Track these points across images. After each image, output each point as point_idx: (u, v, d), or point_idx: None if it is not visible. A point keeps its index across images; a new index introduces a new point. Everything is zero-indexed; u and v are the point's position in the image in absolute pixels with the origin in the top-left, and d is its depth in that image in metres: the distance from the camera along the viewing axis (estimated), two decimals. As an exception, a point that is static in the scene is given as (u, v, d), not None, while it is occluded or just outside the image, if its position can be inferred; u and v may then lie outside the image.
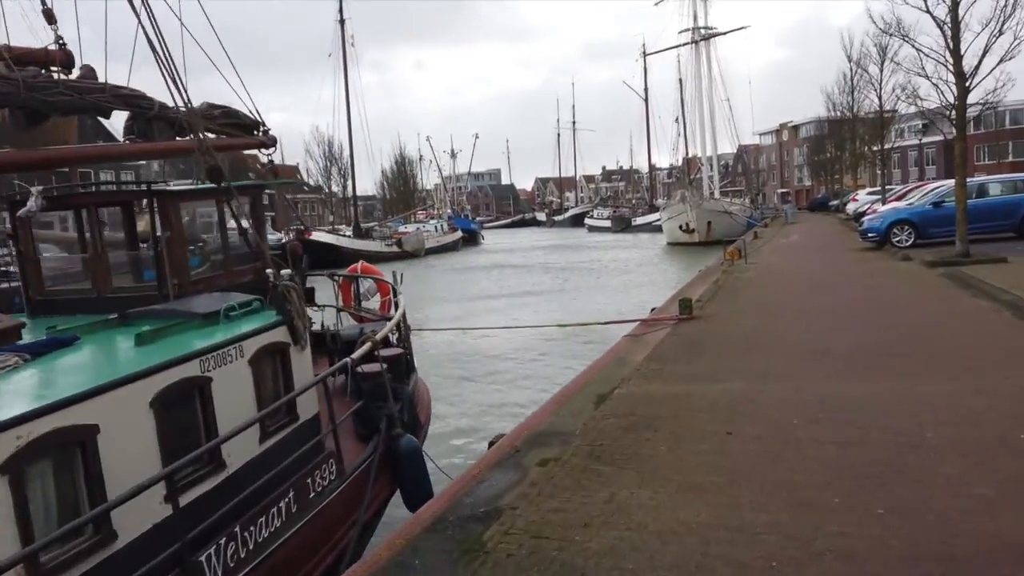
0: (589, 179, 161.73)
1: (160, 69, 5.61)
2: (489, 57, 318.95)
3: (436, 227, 68.98)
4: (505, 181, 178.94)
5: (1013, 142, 68.41)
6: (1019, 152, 68.19)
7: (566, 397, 7.22)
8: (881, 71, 29.67)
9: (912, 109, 21.36)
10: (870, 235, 19.68)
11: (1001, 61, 15.12)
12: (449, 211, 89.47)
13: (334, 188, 71.90)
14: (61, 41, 6.63)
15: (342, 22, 58.12)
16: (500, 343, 16.75)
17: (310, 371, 6.24)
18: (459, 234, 71.00)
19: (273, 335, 5.72)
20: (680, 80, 66.45)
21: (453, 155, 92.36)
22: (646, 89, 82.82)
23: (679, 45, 59.58)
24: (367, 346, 7.09)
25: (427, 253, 60.84)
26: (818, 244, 26.27)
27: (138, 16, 5.52)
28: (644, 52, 71.80)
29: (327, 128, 68.04)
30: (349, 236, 57.98)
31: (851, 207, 39.13)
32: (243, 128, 8.35)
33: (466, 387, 13.76)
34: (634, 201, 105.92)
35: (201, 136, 6.01)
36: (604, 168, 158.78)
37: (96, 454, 3.96)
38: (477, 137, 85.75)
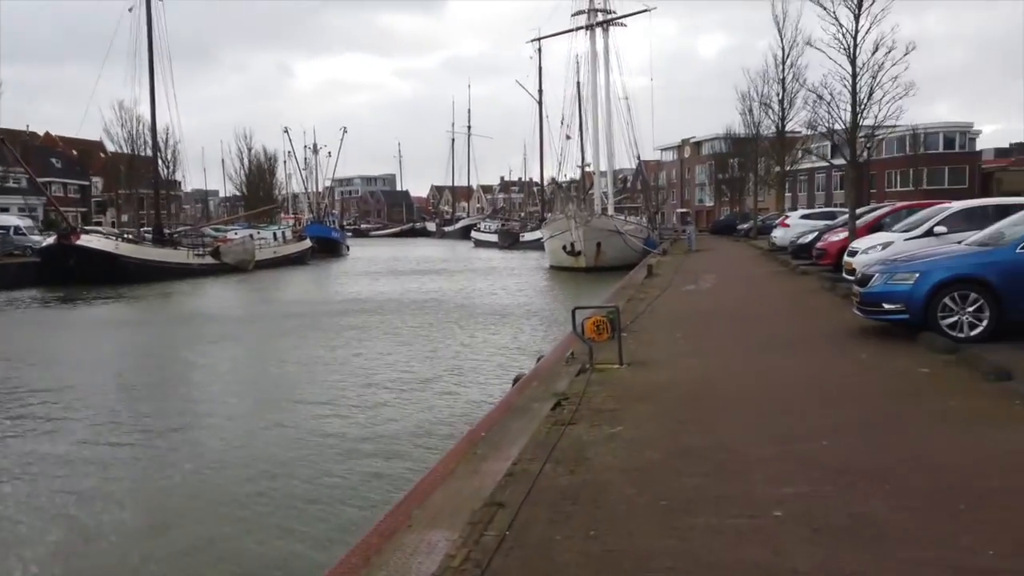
0: (487, 189, 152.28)
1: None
2: (359, 67, 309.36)
3: (275, 234, 56.12)
4: (399, 187, 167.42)
5: (928, 168, 62.93)
6: (933, 179, 62.70)
7: None
8: (783, 89, 34.03)
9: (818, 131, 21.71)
10: (887, 308, 9.18)
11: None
12: (310, 215, 76.78)
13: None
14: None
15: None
16: None
17: None
18: (307, 244, 58.38)
19: None
20: (578, 83, 56.72)
21: (316, 150, 79.18)
22: (540, 91, 72.64)
23: (573, 29, 49.52)
24: None
25: (258, 266, 48.40)
26: (759, 305, 15.82)
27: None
28: (539, 39, 61.36)
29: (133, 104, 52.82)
30: (147, 242, 44.61)
31: (779, 234, 29.52)
32: None
33: None
34: (524, 215, 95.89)
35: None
36: (502, 179, 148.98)
37: None
38: (345, 131, 72.99)
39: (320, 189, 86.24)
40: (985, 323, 8.55)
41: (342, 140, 72.54)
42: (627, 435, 5.85)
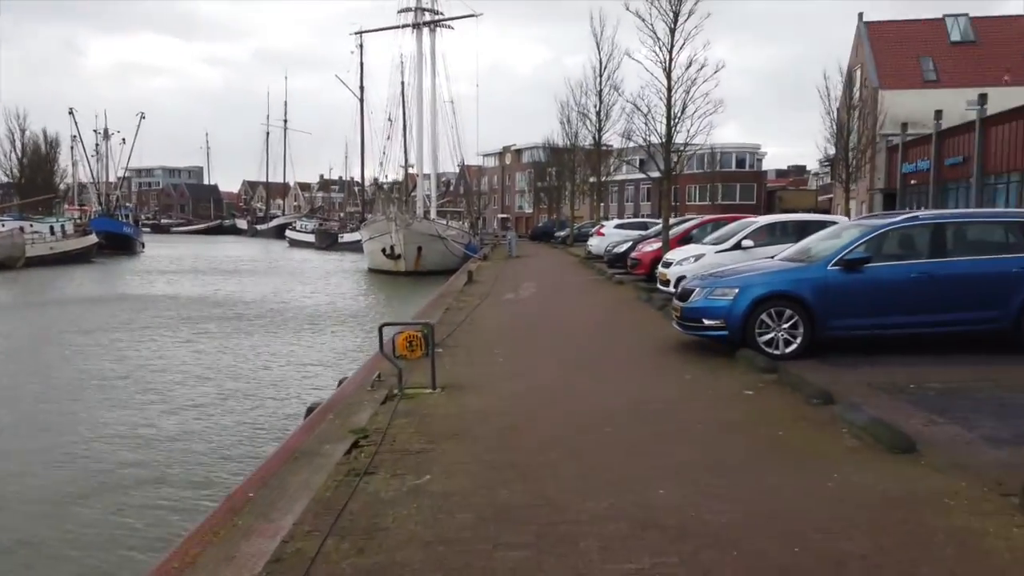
0: (305, 187, 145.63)
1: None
2: (159, 49, 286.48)
3: (53, 228, 49.51)
4: (207, 181, 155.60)
5: (723, 184, 68.43)
6: (727, 194, 68.16)
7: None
8: (600, 101, 34.76)
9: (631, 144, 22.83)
10: (707, 324, 8.95)
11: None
12: (99, 207, 68.74)
13: None
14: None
15: None
16: None
17: None
18: (92, 239, 52.08)
19: None
20: (402, 83, 55.40)
21: (107, 135, 71.02)
22: (362, 88, 70.30)
23: (399, 26, 48.12)
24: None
25: (29, 263, 42.47)
26: (579, 317, 15.50)
27: None
28: (361, 32, 59.13)
29: None
30: None
31: (594, 243, 30.06)
32: None
33: None
34: (343, 215, 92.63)
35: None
36: (322, 176, 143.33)
37: None
38: (142, 116, 65.81)
39: (113, 179, 77.60)
40: (799, 340, 8.51)
41: (139, 126, 65.51)
42: (435, 488, 4.81)
